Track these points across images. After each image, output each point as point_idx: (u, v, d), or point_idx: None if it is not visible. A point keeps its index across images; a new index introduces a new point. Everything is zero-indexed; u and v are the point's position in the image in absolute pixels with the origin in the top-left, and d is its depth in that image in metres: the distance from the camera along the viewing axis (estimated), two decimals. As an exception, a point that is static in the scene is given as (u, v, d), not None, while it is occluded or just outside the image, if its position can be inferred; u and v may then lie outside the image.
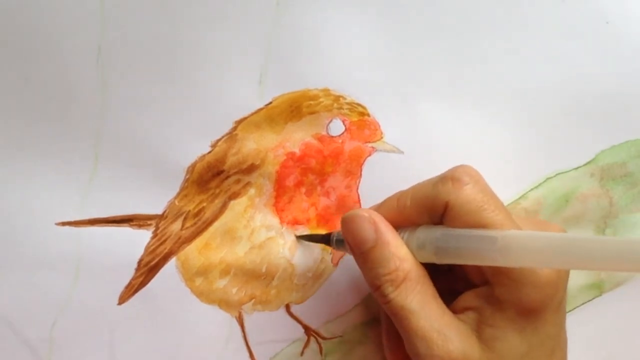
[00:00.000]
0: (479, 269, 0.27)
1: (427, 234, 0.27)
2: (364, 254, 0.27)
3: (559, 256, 0.24)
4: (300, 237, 0.33)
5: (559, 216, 0.34)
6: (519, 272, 0.26)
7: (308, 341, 0.33)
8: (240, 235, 0.32)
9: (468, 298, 0.28)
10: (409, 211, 0.28)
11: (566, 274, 0.27)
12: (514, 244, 0.24)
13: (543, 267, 0.25)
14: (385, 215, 0.28)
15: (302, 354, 0.33)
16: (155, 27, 0.31)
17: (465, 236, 0.26)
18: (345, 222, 0.28)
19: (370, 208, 0.30)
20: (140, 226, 0.32)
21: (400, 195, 0.29)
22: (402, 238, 0.28)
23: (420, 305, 0.26)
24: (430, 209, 0.27)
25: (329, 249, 0.33)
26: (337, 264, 0.33)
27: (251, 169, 0.32)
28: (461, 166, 0.27)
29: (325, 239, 0.31)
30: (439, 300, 0.27)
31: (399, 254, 0.27)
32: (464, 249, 0.26)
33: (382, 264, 0.27)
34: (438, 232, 0.27)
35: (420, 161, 0.33)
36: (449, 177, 0.27)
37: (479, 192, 0.26)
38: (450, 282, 0.29)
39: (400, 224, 0.28)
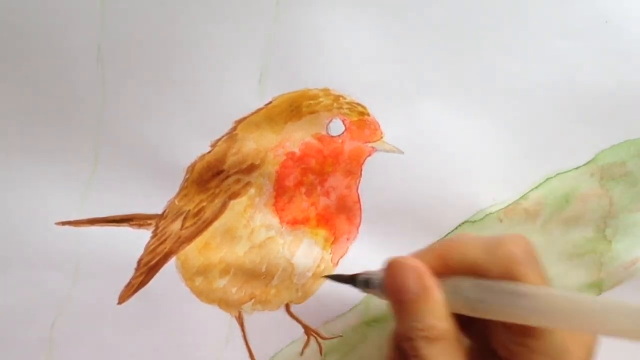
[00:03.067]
0: (508, 345, 0.26)
1: (460, 283, 0.27)
2: (404, 304, 0.27)
3: (592, 319, 0.23)
4: (328, 277, 0.32)
5: (559, 216, 0.34)
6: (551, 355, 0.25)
7: (308, 341, 0.33)
8: (240, 235, 0.32)
9: None
10: (455, 266, 0.27)
11: None
12: (547, 302, 0.24)
13: (575, 329, 0.25)
14: (430, 262, 0.27)
15: (302, 354, 0.33)
16: (155, 27, 0.31)
17: (499, 289, 0.25)
18: (390, 268, 0.27)
19: (416, 253, 0.29)
20: (140, 226, 0.32)
21: (447, 247, 0.28)
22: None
23: None
24: (478, 274, 0.26)
25: (329, 248, 0.33)
26: (337, 264, 0.33)
27: (251, 169, 0.32)
28: (519, 238, 0.26)
29: (352, 280, 0.30)
30: None
31: (439, 313, 0.26)
32: (496, 302, 0.25)
33: (420, 319, 0.26)
34: (470, 282, 0.26)
35: (420, 161, 0.33)
36: (508, 250, 0.26)
37: (537, 276, 0.26)
38: (477, 353, 0.29)
39: (440, 274, 0.27)
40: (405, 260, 0.27)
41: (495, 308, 0.25)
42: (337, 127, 0.32)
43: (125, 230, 0.32)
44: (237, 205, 0.32)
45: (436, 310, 0.26)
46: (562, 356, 0.25)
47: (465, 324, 0.28)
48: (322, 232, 0.33)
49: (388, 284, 0.27)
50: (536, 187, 0.34)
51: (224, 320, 0.33)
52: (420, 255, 0.28)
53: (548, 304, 0.24)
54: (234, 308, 0.33)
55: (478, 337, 0.29)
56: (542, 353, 0.25)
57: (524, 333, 0.26)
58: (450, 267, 0.27)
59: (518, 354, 0.26)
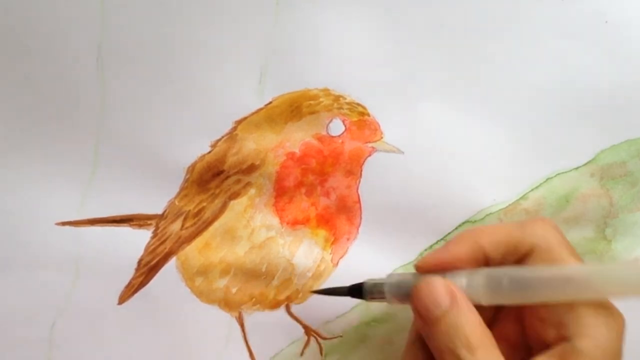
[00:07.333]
0: (553, 321, 0.27)
1: (498, 272, 0.27)
2: (438, 319, 0.27)
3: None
4: (317, 292, 0.31)
5: (559, 216, 0.34)
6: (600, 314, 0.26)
7: (308, 341, 0.33)
8: (240, 235, 0.32)
9: None
10: (487, 250, 0.27)
11: None
12: (593, 277, 0.25)
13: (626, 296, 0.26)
14: (459, 253, 0.28)
15: (302, 354, 0.33)
16: (155, 27, 0.31)
17: (539, 272, 0.26)
18: (419, 289, 0.27)
19: (447, 244, 0.29)
20: (140, 226, 0.32)
21: (473, 234, 0.28)
22: (464, 281, 0.27)
23: None
24: (512, 250, 0.27)
25: (329, 248, 0.33)
26: (337, 264, 0.33)
27: (251, 169, 0.32)
28: (544, 218, 0.28)
29: (352, 292, 0.30)
30: None
31: (472, 321, 0.26)
32: (541, 286, 0.26)
33: (458, 330, 0.26)
34: (507, 271, 0.27)
35: (420, 161, 0.33)
36: (538, 219, 0.27)
37: (570, 252, 0.27)
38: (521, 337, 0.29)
39: (468, 264, 0.28)
40: (432, 278, 0.27)
41: (541, 292, 0.26)
42: (337, 127, 0.32)
43: (125, 230, 0.32)
44: (237, 205, 0.32)
45: (470, 319, 0.27)
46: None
47: (495, 320, 0.28)
48: (322, 232, 0.33)
49: (417, 303, 0.28)
50: (536, 187, 0.34)
51: (224, 320, 0.33)
52: (452, 246, 0.28)
53: (598, 276, 0.25)
54: (234, 308, 0.33)
55: (508, 330, 0.29)
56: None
57: (560, 322, 0.26)
58: (485, 253, 0.28)
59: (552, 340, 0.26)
